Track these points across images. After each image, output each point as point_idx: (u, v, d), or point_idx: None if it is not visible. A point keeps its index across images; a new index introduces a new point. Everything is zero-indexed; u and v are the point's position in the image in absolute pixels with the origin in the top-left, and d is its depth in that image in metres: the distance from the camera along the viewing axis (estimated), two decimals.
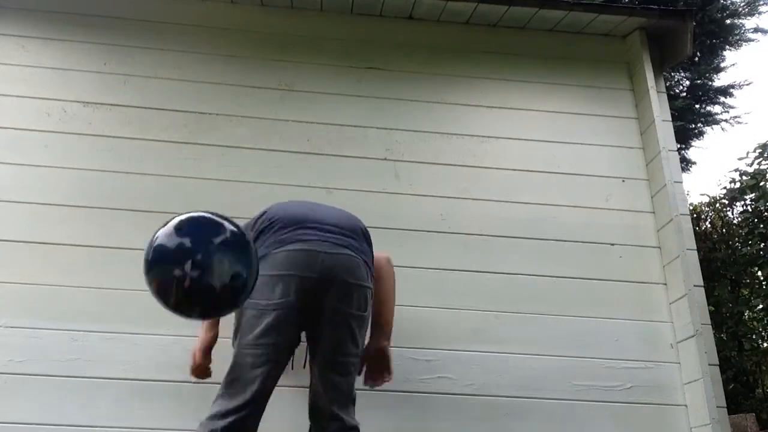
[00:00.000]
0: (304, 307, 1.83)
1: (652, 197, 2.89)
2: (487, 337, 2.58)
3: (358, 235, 2.02)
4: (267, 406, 1.84)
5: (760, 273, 5.72)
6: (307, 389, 1.95)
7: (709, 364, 2.51)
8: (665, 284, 2.75)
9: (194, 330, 2.44)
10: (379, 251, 2.13)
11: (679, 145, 5.77)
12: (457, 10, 3.00)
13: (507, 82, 3.06)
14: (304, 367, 2.02)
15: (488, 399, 2.50)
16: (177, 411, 2.34)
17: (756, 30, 7.35)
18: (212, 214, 1.64)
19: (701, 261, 2.90)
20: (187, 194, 2.64)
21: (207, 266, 1.52)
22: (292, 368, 2.02)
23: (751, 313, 5.80)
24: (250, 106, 2.82)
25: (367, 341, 2.02)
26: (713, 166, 18.12)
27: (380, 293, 2.04)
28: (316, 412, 1.89)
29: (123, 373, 2.37)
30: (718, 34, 7.14)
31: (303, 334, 1.97)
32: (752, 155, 5.65)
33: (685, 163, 7.82)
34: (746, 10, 7.18)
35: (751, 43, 7.32)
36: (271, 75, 2.90)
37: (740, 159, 5.76)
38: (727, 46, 7.38)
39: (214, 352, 2.17)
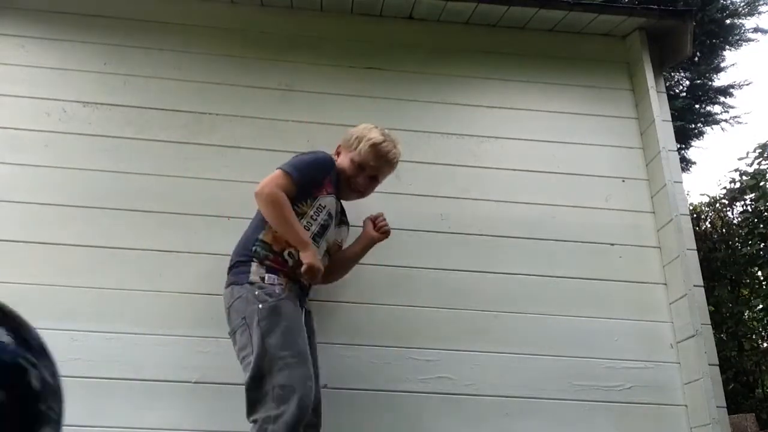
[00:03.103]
0: None
1: (652, 197, 2.89)
2: (487, 337, 2.58)
3: (232, 260, 2.13)
4: None
5: (760, 273, 5.71)
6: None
7: (709, 364, 2.51)
8: (665, 284, 2.75)
9: (193, 331, 2.44)
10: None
11: (679, 145, 5.77)
12: (457, 10, 3.00)
13: (507, 82, 3.06)
14: None
15: (488, 399, 2.50)
16: (177, 411, 2.35)
17: (756, 30, 7.35)
18: None
19: (701, 261, 2.90)
20: (187, 194, 2.64)
21: None
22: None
23: (751, 313, 5.80)
24: (250, 106, 2.82)
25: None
26: (713, 166, 18.13)
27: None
28: None
29: (123, 373, 2.37)
30: (718, 34, 7.13)
31: None
32: (752, 155, 5.65)
33: (685, 163, 7.81)
34: (746, 10, 7.18)
35: (751, 43, 7.32)
36: (271, 75, 2.89)
37: (740, 159, 5.75)
38: (727, 46, 7.38)
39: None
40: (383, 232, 2.31)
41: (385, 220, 2.34)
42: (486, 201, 2.81)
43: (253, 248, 2.01)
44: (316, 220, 2.07)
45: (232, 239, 2.21)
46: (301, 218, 2.04)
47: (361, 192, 2.27)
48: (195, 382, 2.38)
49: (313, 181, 2.10)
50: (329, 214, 2.11)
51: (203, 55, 2.90)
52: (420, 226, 2.72)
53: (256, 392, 1.82)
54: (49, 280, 2.46)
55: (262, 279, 1.95)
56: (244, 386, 1.88)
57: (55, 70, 2.79)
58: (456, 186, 2.81)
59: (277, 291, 1.92)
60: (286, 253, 2.01)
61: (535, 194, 2.84)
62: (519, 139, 2.95)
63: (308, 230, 2.04)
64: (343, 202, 2.33)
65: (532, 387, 2.53)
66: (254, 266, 1.98)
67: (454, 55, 3.06)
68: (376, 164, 2.21)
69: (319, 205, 2.08)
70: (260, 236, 2.03)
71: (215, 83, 2.85)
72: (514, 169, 2.89)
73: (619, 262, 2.78)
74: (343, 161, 2.22)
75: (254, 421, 1.81)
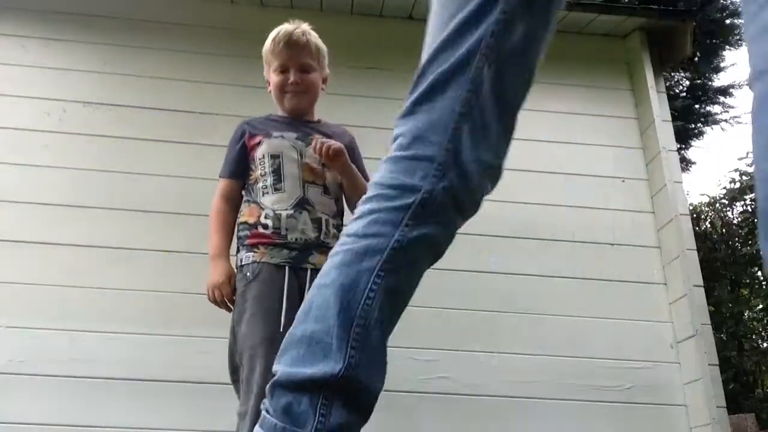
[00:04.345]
0: None
1: (652, 197, 2.90)
2: (487, 337, 2.58)
3: None
4: None
5: (760, 273, 5.72)
6: None
7: (709, 364, 2.51)
8: (665, 284, 2.75)
9: (193, 331, 2.44)
10: None
11: (679, 145, 5.77)
12: None
13: None
14: None
15: (488, 399, 2.50)
16: (177, 410, 2.35)
17: None
18: None
19: (701, 261, 2.90)
20: (187, 194, 2.64)
21: None
22: None
23: (751, 313, 5.80)
24: (250, 106, 2.81)
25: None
26: (713, 166, 18.13)
27: None
28: None
29: (123, 373, 2.37)
30: (718, 34, 7.13)
31: None
32: (752, 155, 5.65)
33: (685, 163, 7.81)
34: None
35: None
36: None
37: (740, 159, 5.77)
38: (727, 46, 7.38)
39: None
40: (330, 156, 1.81)
41: (321, 143, 1.82)
42: (486, 201, 2.80)
43: (238, 234, 1.88)
44: (264, 173, 1.85)
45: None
46: (257, 183, 1.87)
47: (300, 92, 1.95)
48: (195, 382, 2.39)
49: (236, 155, 1.94)
50: (273, 156, 1.86)
51: (203, 55, 2.90)
52: None
53: (235, 384, 1.72)
54: (49, 280, 2.46)
55: (241, 261, 1.81)
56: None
57: (55, 70, 2.79)
58: None
59: (248, 274, 1.75)
60: (262, 216, 1.79)
61: (535, 194, 2.84)
62: (519, 139, 2.92)
63: (266, 186, 1.84)
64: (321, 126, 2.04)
65: (532, 387, 2.53)
66: (239, 252, 1.85)
67: None
68: (282, 50, 1.94)
69: (258, 160, 1.88)
70: (239, 220, 1.90)
71: (215, 83, 2.85)
72: (514, 169, 2.87)
73: (619, 262, 2.78)
74: (271, 86, 1.99)
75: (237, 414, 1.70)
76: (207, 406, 2.36)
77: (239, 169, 1.92)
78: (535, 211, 2.81)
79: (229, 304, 1.77)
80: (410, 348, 2.53)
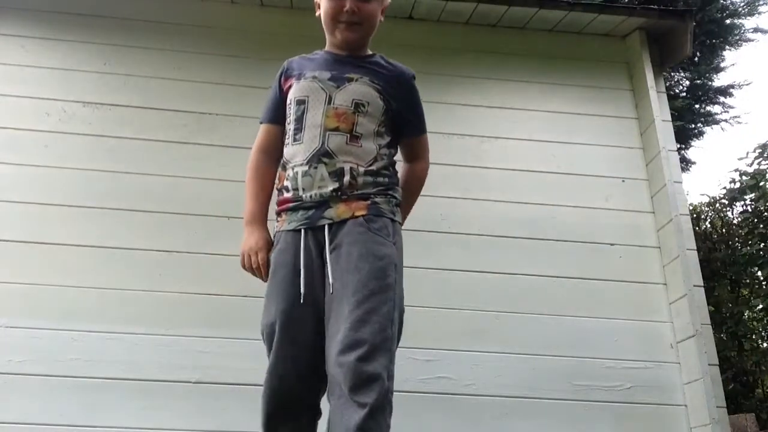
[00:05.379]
0: None
1: (652, 197, 2.90)
2: (487, 337, 2.58)
3: None
4: None
5: (760, 273, 5.71)
6: None
7: (709, 364, 2.51)
8: (665, 284, 2.75)
9: (193, 331, 2.44)
10: None
11: (679, 145, 5.76)
12: (457, 10, 3.00)
13: (507, 82, 3.06)
14: None
15: (488, 399, 2.50)
16: (176, 411, 2.35)
17: (756, 30, 7.34)
18: None
19: (701, 261, 2.90)
20: (187, 194, 2.64)
21: None
22: None
23: (751, 313, 5.80)
24: (250, 106, 2.81)
25: None
26: (713, 166, 18.09)
27: None
28: None
29: (123, 373, 2.37)
30: (718, 34, 7.13)
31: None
32: (752, 155, 5.65)
33: (685, 163, 7.80)
34: (746, 10, 7.17)
35: (751, 43, 7.32)
36: (271, 75, 2.86)
37: (740, 159, 5.75)
38: (727, 46, 7.37)
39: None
40: None
41: None
42: (486, 201, 2.81)
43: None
44: (290, 122, 1.67)
45: (232, 239, 2.21)
46: (287, 133, 1.69)
47: (355, 22, 1.69)
48: (195, 382, 2.39)
49: (273, 98, 1.78)
50: (298, 101, 1.66)
51: (203, 55, 2.90)
52: (420, 226, 2.71)
53: None
54: (49, 280, 2.46)
55: (273, 232, 1.65)
56: None
57: (55, 70, 2.79)
58: (456, 186, 2.81)
59: (274, 245, 1.61)
60: (284, 178, 1.64)
61: (535, 194, 2.84)
62: (519, 139, 2.95)
63: (289, 137, 1.66)
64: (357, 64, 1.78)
65: (532, 387, 2.53)
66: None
67: (454, 55, 3.06)
68: None
69: (287, 107, 1.70)
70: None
71: (215, 83, 2.85)
72: (514, 169, 2.89)
73: (619, 262, 2.78)
74: (321, 12, 1.73)
75: None
76: (207, 407, 2.36)
77: (277, 114, 1.73)
78: (535, 211, 2.81)
79: (263, 272, 1.61)
80: (410, 348, 2.53)
